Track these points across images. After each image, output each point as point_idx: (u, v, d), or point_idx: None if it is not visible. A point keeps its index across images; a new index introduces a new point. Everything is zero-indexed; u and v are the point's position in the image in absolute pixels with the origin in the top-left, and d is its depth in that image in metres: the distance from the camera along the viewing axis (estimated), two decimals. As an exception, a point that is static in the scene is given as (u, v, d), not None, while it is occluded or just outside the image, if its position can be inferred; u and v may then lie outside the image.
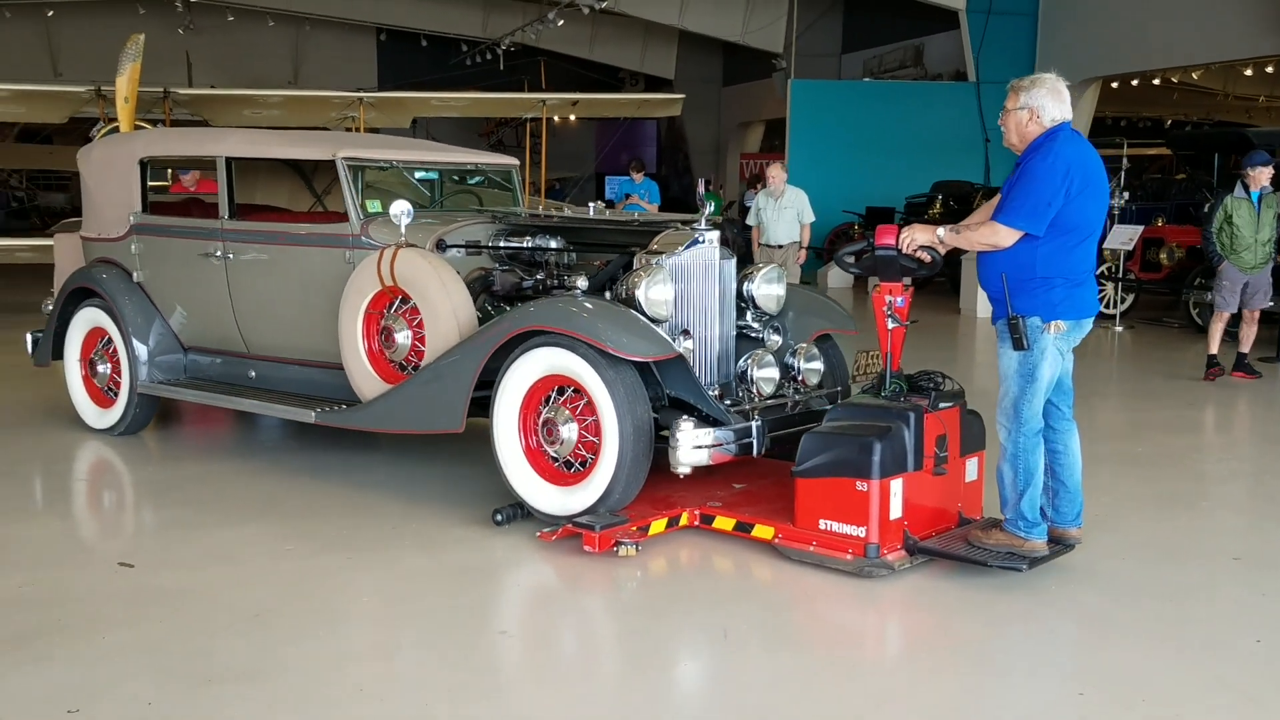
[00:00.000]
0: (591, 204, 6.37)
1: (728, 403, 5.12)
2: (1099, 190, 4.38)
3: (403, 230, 5.40)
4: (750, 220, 11.48)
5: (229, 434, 7.10)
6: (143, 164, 6.71)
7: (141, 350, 6.54)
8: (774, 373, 5.30)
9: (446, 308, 5.32)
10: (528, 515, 5.01)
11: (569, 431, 4.90)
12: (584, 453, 4.88)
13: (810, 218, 11.18)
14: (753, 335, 5.58)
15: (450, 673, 3.71)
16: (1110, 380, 10.20)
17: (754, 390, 5.25)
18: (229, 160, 6.32)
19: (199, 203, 7.30)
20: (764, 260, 10.45)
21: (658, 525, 4.84)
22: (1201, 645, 3.99)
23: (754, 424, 4.98)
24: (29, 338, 7.28)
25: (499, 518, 5.01)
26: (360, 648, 3.93)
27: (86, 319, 6.85)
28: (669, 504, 5.04)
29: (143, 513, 5.66)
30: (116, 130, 11.30)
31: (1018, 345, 4.34)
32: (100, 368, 6.79)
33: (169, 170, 8.50)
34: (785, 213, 11.02)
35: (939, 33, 21.38)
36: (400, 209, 5.37)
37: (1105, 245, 12.96)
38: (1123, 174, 13.81)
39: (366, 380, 5.58)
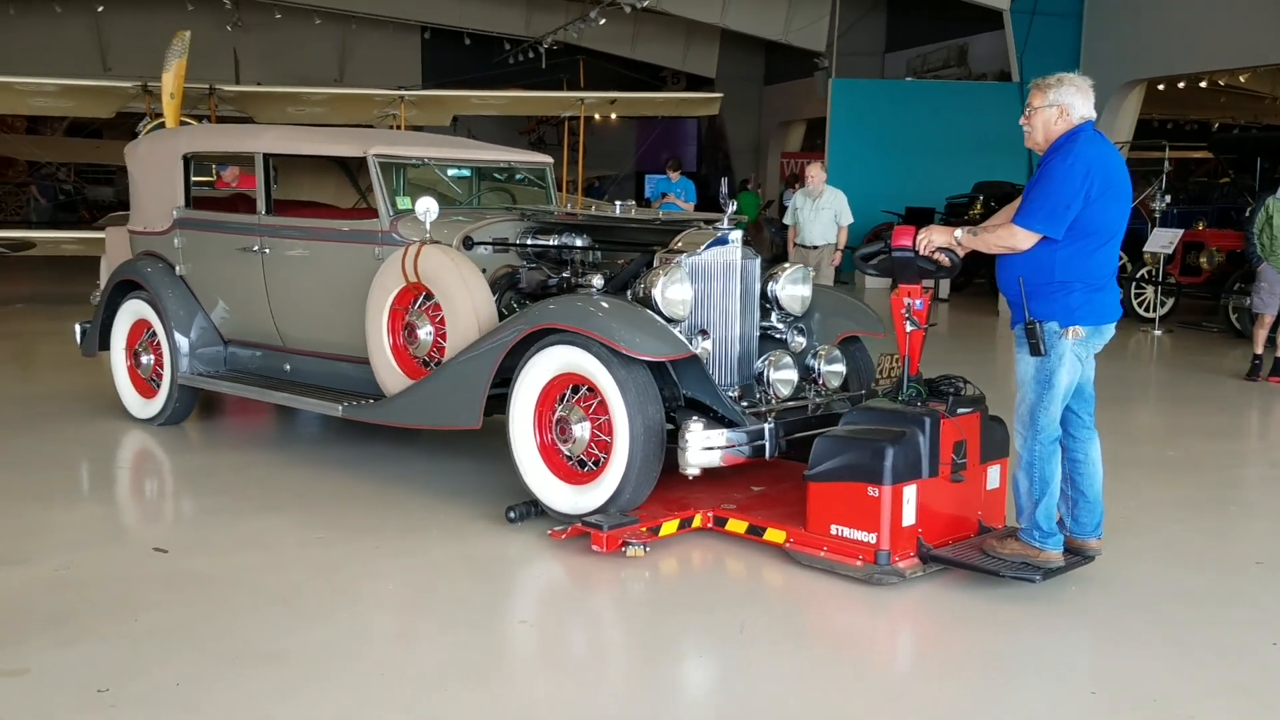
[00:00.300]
0: (618, 202, 6.27)
1: (745, 404, 5.09)
2: (1121, 193, 4.31)
3: (428, 227, 5.45)
4: (787, 220, 11.32)
5: (266, 426, 7.24)
6: (186, 159, 6.85)
7: (182, 342, 6.67)
8: (792, 375, 5.26)
9: (467, 305, 5.36)
10: (542, 513, 5.03)
11: (581, 430, 4.90)
12: (597, 452, 4.88)
13: (848, 219, 11.01)
14: (777, 336, 5.55)
15: (467, 659, 3.79)
16: (1147, 384, 10.12)
17: (770, 392, 5.21)
18: (266, 156, 6.43)
19: (245, 198, 7.40)
20: (798, 260, 10.41)
21: (669, 526, 4.83)
22: (1217, 649, 3.98)
23: (766, 426, 4.93)
24: (77, 328, 7.45)
25: (512, 515, 5.03)
26: (382, 632, 4.02)
27: (132, 311, 7.00)
28: (683, 505, 5.02)
29: (179, 500, 5.80)
30: (162, 125, 11.53)
31: (1034, 351, 4.27)
32: (144, 359, 6.94)
33: (213, 166, 8.64)
34: (823, 213, 10.87)
35: (983, 32, 21.24)
36: (425, 206, 5.40)
37: (1145, 248, 12.86)
38: (1164, 177, 13.68)
39: (390, 375, 5.65)
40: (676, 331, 4.92)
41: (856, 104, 19.75)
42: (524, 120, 29.33)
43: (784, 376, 5.24)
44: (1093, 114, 4.36)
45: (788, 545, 4.65)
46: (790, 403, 5.25)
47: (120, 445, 6.63)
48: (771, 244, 21.70)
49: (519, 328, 5.04)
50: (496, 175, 7.00)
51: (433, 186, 6.52)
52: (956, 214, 16.74)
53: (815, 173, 11.03)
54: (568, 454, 4.99)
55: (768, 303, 5.55)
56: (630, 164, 29.20)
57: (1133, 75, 17.96)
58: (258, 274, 6.43)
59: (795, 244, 10.99)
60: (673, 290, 5.00)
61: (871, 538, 4.41)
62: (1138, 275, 13.24)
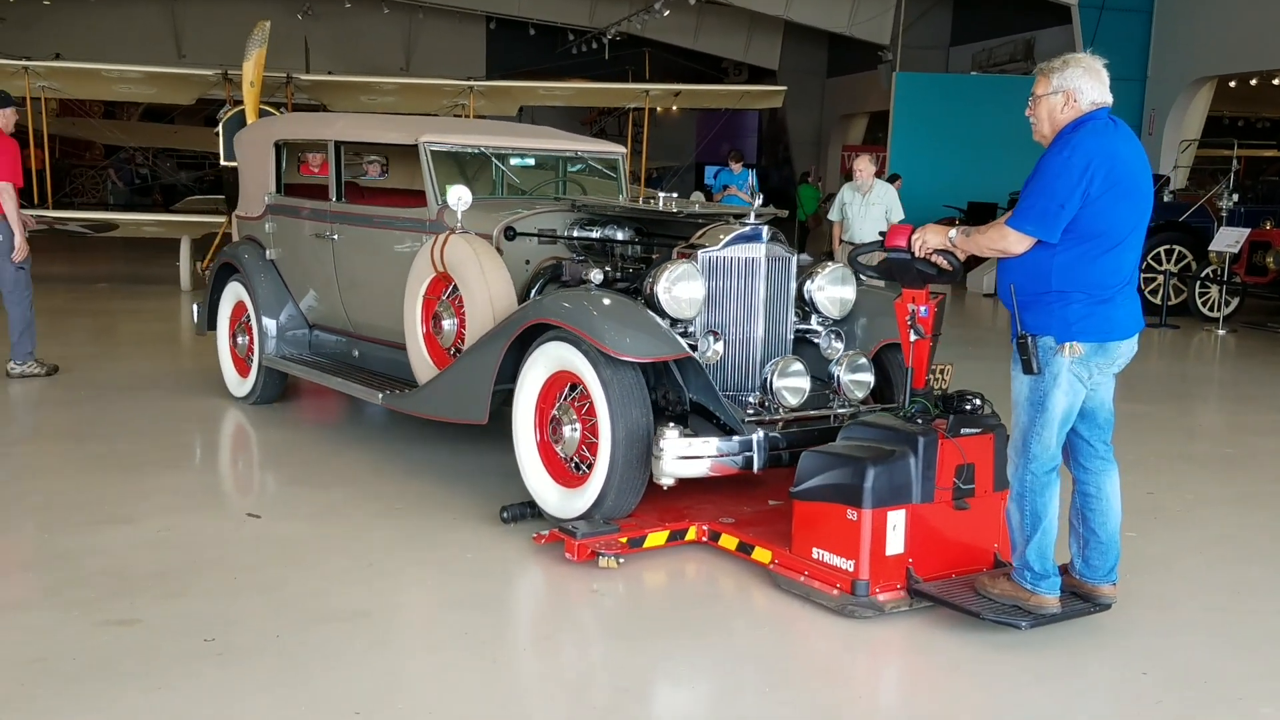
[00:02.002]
0: (660, 193, 5.65)
1: (751, 412, 4.77)
2: (1132, 190, 3.76)
3: (459, 216, 5.36)
4: (833, 215, 10.78)
5: (345, 405, 7.52)
6: (277, 146, 7.09)
7: (269, 325, 6.87)
8: (800, 382, 4.83)
9: (483, 295, 5.23)
10: (538, 515, 4.88)
11: (571, 431, 4.74)
12: (589, 455, 4.70)
13: (899, 216, 10.39)
14: (815, 341, 5.26)
15: (537, 628, 4.00)
16: (1209, 383, 10.12)
17: (775, 400, 4.80)
18: (338, 144, 6.53)
19: (354, 186, 7.49)
20: (843, 258, 10.19)
21: (656, 538, 4.56)
22: (1272, 638, 4.09)
23: (754, 437, 4.62)
24: (195, 308, 7.73)
25: (505, 515, 4.87)
26: (459, 598, 4.23)
27: (233, 293, 7.26)
28: (681, 516, 4.76)
29: (266, 471, 6.08)
30: (241, 113, 11.87)
31: (1027, 368, 3.81)
32: (240, 339, 7.20)
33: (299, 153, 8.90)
34: (873, 209, 10.29)
35: (1051, 27, 21.06)
36: (457, 194, 5.30)
37: (1211, 247, 12.78)
38: (1233, 175, 13.56)
39: (422, 365, 5.64)
40: (680, 331, 4.75)
41: (920, 98, 19.72)
42: (585, 111, 29.55)
43: (791, 384, 4.80)
44: (1106, 99, 3.84)
45: (771, 566, 4.33)
46: (812, 412, 4.87)
47: (217, 419, 6.93)
48: (829, 238, 21.71)
49: (519, 321, 4.90)
50: (564, 165, 6.86)
51: (490, 176, 6.47)
52: (1019, 209, 16.65)
53: (863, 166, 10.45)
54: (562, 455, 4.82)
55: (806, 304, 5.29)
56: (691, 156, 29.33)
57: (1203, 72, 17.77)
58: (329, 260, 6.59)
59: (842, 241, 10.54)
60: (678, 288, 4.76)
61: (850, 565, 4.04)
62: (1202, 274, 13.16)
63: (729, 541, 4.55)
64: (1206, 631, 4.13)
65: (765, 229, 5.00)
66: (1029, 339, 3.81)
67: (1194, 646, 3.99)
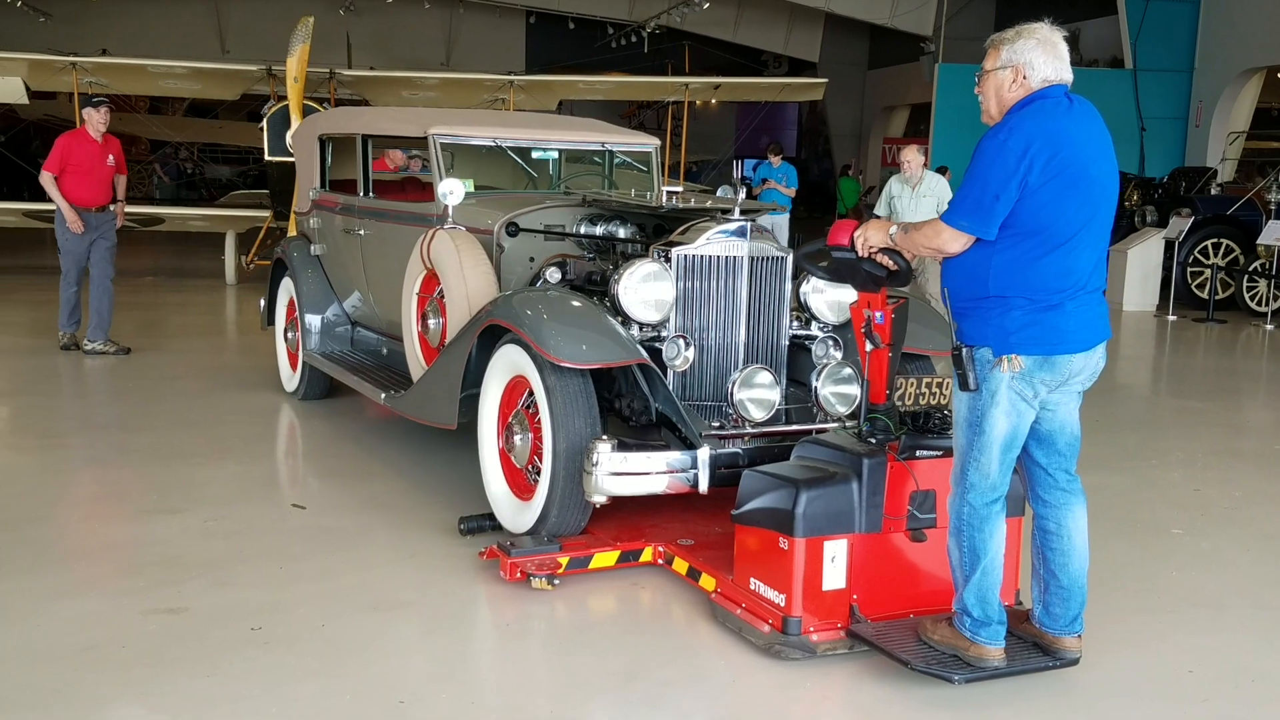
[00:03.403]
0: (668, 187, 5.21)
1: (717, 425, 4.40)
2: (1080, 180, 3.26)
3: (450, 210, 5.19)
4: (879, 210, 10.37)
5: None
6: (321, 141, 7.11)
7: (311, 321, 6.80)
8: (767, 394, 4.42)
9: (460, 293, 4.98)
10: (496, 527, 4.63)
11: (522, 440, 4.48)
12: (541, 464, 4.41)
13: None
14: (809, 348, 4.84)
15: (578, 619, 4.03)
16: (1258, 378, 9.97)
17: (735, 413, 4.40)
18: (365, 138, 6.45)
19: (415, 181, 7.44)
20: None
21: (605, 558, 4.25)
22: (1321, 634, 4.04)
23: (699, 454, 4.23)
24: (261, 302, 7.75)
25: (463, 527, 4.64)
26: (504, 590, 4.26)
27: (286, 288, 7.27)
28: (640, 534, 4.44)
29: (312, 463, 6.15)
30: (285, 109, 11.98)
31: (962, 384, 3.37)
32: (290, 334, 7.23)
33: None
34: (923, 201, 9.87)
35: (1096, 18, 20.83)
36: (448, 188, 5.16)
37: (1260, 241, 12.58)
38: (1281, 168, 13.37)
39: (415, 364, 5.52)
40: (652, 335, 4.46)
41: (964, 90, 19.44)
42: (625, 105, 29.57)
43: (755, 396, 4.40)
44: (1063, 76, 3.37)
45: (713, 596, 3.98)
46: (792, 426, 4.52)
47: (262, 413, 6.99)
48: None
49: (477, 323, 4.67)
50: (591, 159, 6.58)
51: (506, 168, 6.31)
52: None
53: (912, 157, 10.06)
54: (517, 464, 4.56)
55: (804, 308, 4.91)
56: (730, 149, 29.28)
57: (1252, 63, 17.50)
58: (359, 255, 6.50)
59: None
60: (641, 288, 4.43)
61: (782, 599, 3.64)
62: (1250, 268, 12.97)
63: (681, 565, 4.22)
64: (1256, 630, 4.07)
65: (748, 225, 4.58)
66: (962, 350, 3.35)
67: (1243, 645, 3.94)
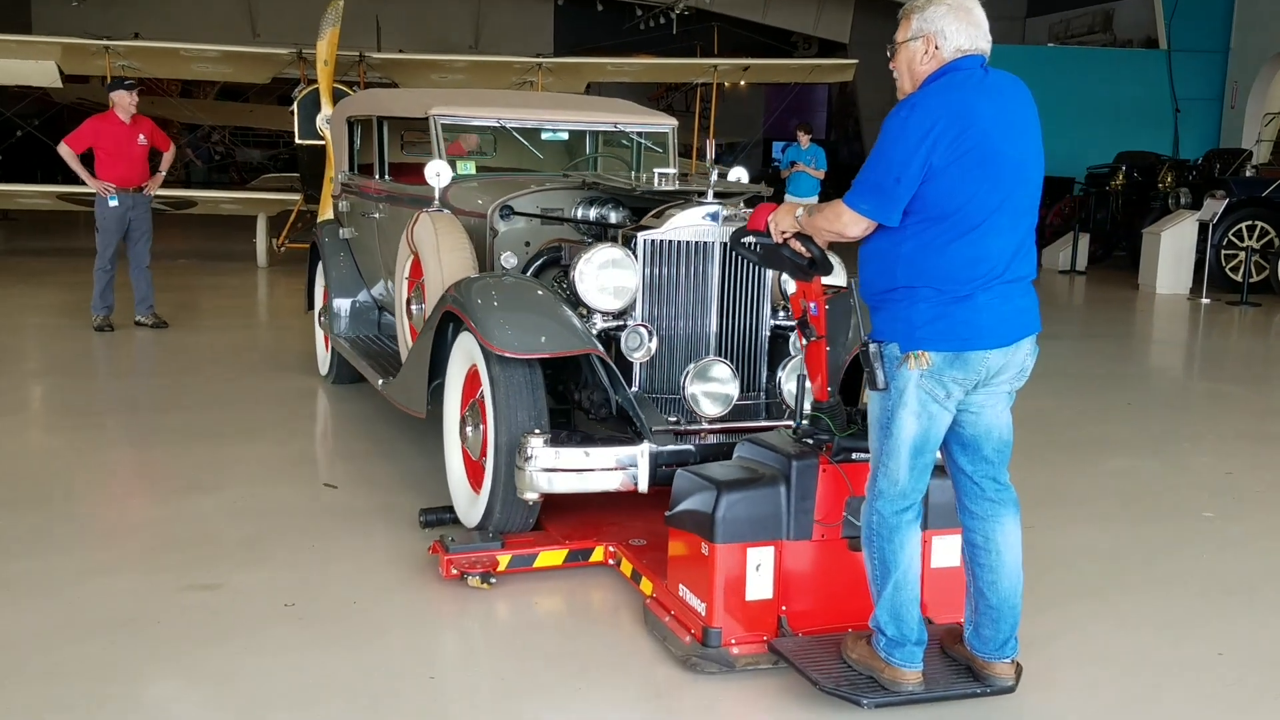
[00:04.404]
0: (659, 170, 4.85)
1: (674, 419, 4.18)
2: (993, 159, 2.98)
3: (435, 192, 5.09)
4: None
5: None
6: (350, 124, 7.14)
7: (339, 305, 6.72)
8: (723, 388, 4.16)
9: (436, 278, 4.83)
10: (455, 520, 4.48)
11: (474, 433, 4.32)
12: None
13: None
14: (785, 338, 4.58)
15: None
16: (1292, 362, 9.88)
17: (689, 407, 4.16)
18: (381, 119, 6.40)
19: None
20: None
21: (551, 557, 4.09)
22: (1353, 619, 4.01)
23: (637, 451, 3.99)
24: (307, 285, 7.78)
25: (423, 519, 4.51)
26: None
27: (320, 272, 7.26)
28: (593, 533, 4.25)
29: (344, 443, 6.20)
30: (316, 92, 12.03)
31: (871, 382, 3.12)
32: (323, 318, 7.22)
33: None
34: None
35: (1130, -3, 20.59)
36: (435, 169, 5.06)
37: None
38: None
39: (404, 350, 5.39)
40: (616, 325, 4.28)
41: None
42: (653, 87, 29.48)
43: (710, 390, 4.16)
44: (978, 45, 3.08)
45: (648, 601, 3.77)
46: (758, 423, 4.25)
47: (294, 394, 7.06)
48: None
49: (438, 310, 4.50)
50: (620, 141, 6.36)
51: (514, 150, 6.16)
52: (1098, 184, 16.38)
53: None
54: (473, 456, 4.38)
55: (785, 297, 4.60)
56: (759, 131, 29.13)
57: (1290, 43, 17.24)
58: (376, 239, 6.43)
59: None
60: (597, 274, 4.23)
61: (704, 608, 3.43)
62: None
63: (626, 567, 4.04)
64: (1287, 613, 4.06)
65: (720, 209, 4.32)
66: (870, 347, 3.10)
67: (1275, 629, 3.93)
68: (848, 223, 3.10)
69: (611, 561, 4.15)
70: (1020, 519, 3.26)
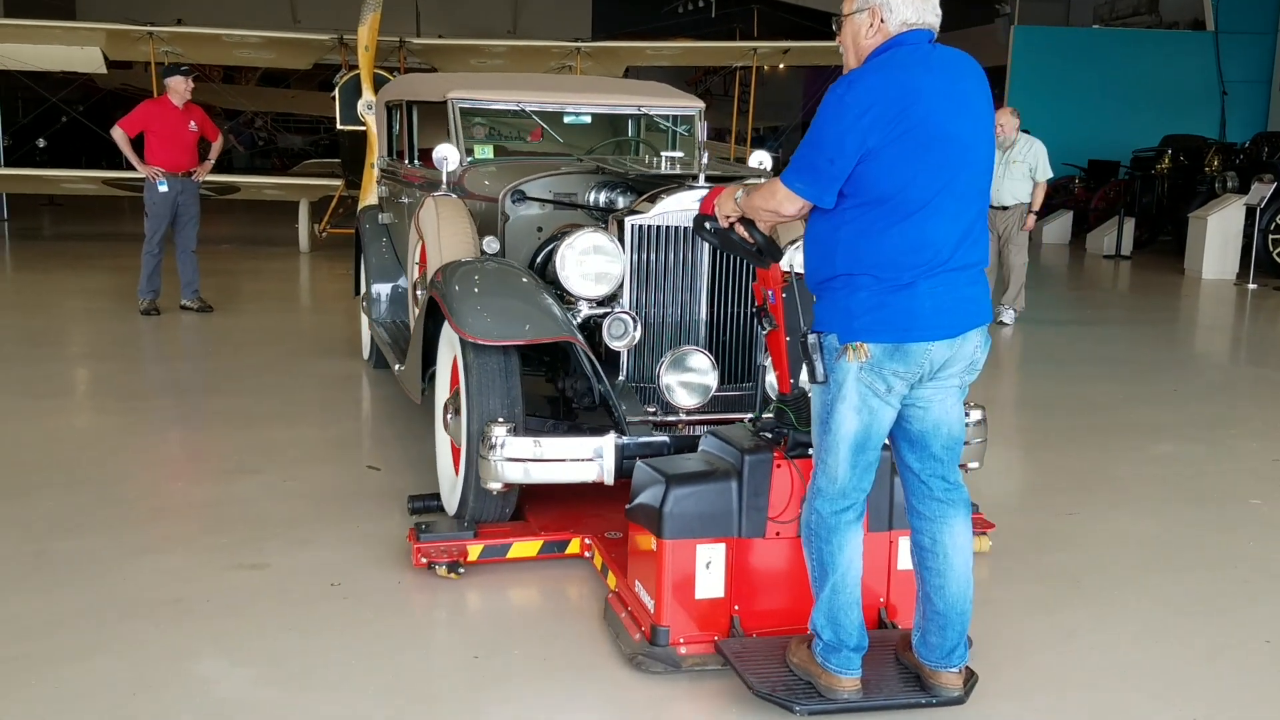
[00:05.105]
0: (665, 153, 4.82)
1: (652, 409, 4.10)
2: (937, 140, 2.81)
3: (444, 176, 5.06)
4: None
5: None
6: (388, 108, 7.18)
7: (377, 290, 6.70)
8: (700, 378, 4.05)
9: (436, 263, 4.72)
10: (441, 508, 4.47)
11: (454, 421, 4.25)
12: None
13: (1046, 174, 9.39)
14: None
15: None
16: (1342, 348, 9.71)
17: (664, 398, 4.06)
18: (410, 104, 6.36)
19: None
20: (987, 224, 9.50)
21: (525, 548, 4.03)
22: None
23: (602, 441, 3.85)
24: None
25: (410, 506, 4.52)
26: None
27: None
28: (570, 524, 4.19)
29: (386, 426, 6.24)
30: (357, 77, 12.09)
31: (810, 375, 2.98)
32: (365, 303, 7.30)
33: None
34: (1014, 168, 9.30)
35: (1177, -22, 20.26)
36: (442, 153, 5.00)
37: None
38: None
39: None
40: (603, 312, 4.16)
41: (1039, 52, 19.14)
42: (692, 71, 29.36)
43: (687, 380, 4.05)
44: (926, 19, 2.93)
45: (610, 596, 3.71)
46: (744, 415, 3.94)
47: (335, 378, 7.13)
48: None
49: (426, 296, 4.45)
50: (656, 124, 6.26)
51: (507, 133, 6.12)
52: (1143, 168, 16.15)
53: (1005, 119, 9.41)
54: (456, 443, 4.29)
55: None
56: (799, 115, 28.96)
57: (1343, 23, 16.89)
58: (405, 223, 6.35)
59: None
60: (579, 260, 4.13)
61: (654, 605, 3.35)
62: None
63: (599, 560, 3.96)
64: (1337, 602, 4.00)
65: (700, 192, 4.13)
66: (809, 338, 2.96)
67: (1324, 616, 3.88)
68: (782, 200, 2.96)
69: (587, 554, 4.08)
70: (971, 521, 3.10)
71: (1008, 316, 9.63)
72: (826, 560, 3.01)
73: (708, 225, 3.33)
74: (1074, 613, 3.87)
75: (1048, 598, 3.99)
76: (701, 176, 4.20)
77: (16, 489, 4.85)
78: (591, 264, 4.13)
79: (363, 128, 11.84)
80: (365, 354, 7.39)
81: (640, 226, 4.20)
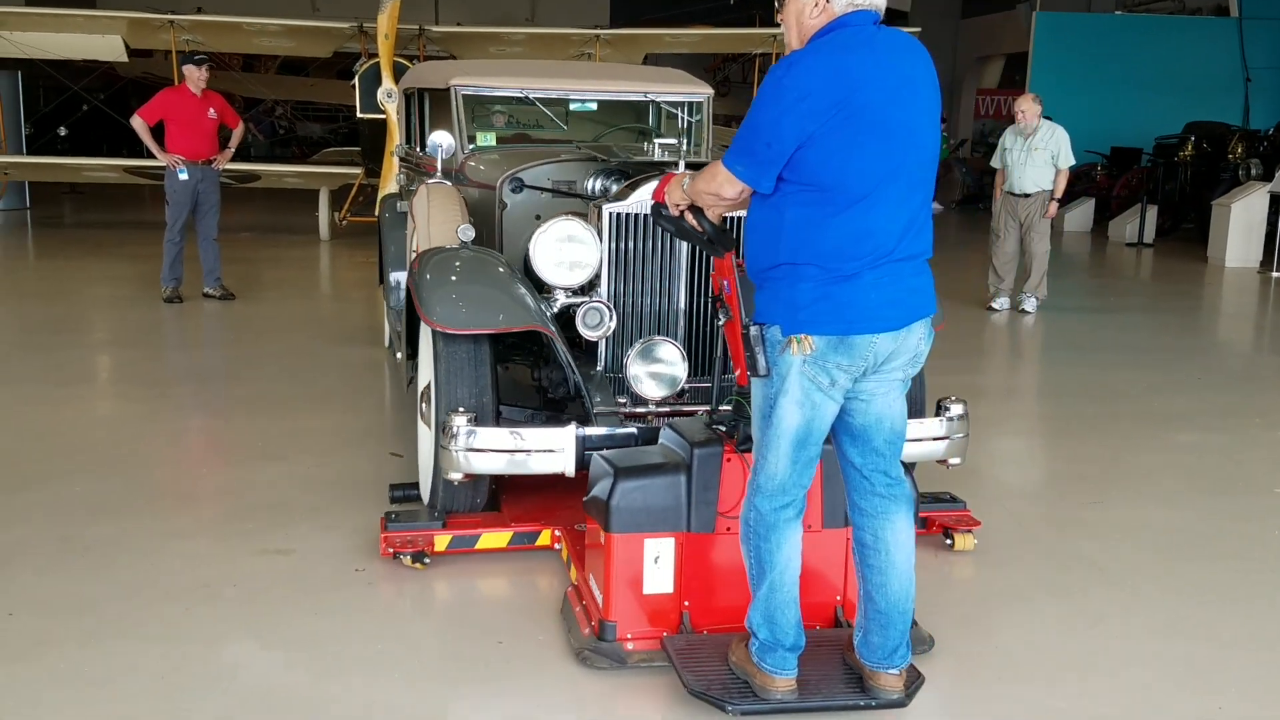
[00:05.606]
0: (659, 140, 4.82)
1: (623, 400, 4.03)
2: (882, 126, 2.72)
3: (438, 164, 5.02)
4: (994, 162, 9.74)
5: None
6: (406, 95, 7.17)
7: (395, 277, 6.66)
8: (669, 369, 3.97)
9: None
10: (419, 498, 4.43)
11: (428, 409, 4.21)
12: None
13: (1069, 161, 9.31)
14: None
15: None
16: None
17: (632, 389, 3.98)
18: (421, 91, 6.38)
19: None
20: (1007, 212, 9.42)
21: (495, 539, 4.00)
22: None
23: (565, 432, 3.79)
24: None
25: (392, 495, 4.50)
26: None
27: None
28: (544, 515, 4.15)
29: (407, 413, 6.26)
30: (376, 66, 12.11)
31: (752, 368, 2.89)
32: (385, 290, 7.34)
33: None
34: (1036, 154, 9.24)
35: (1200, -37, 20.09)
36: (437, 140, 4.99)
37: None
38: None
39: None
40: (582, 301, 4.10)
41: (1062, 39, 19.02)
42: (710, 59, 29.25)
43: (655, 371, 3.97)
44: (871, 1, 2.82)
45: (569, 590, 3.67)
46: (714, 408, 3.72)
47: (357, 365, 7.15)
48: (962, 185, 21.22)
49: (409, 283, 4.38)
50: (634, 109, 6.16)
51: (526, 120, 6.09)
52: (1166, 155, 16.04)
53: (1027, 106, 9.36)
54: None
55: None
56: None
57: (1370, 7, 16.71)
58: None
59: (1003, 191, 9.52)
60: (551, 249, 4.07)
61: (602, 600, 3.32)
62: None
63: (565, 553, 3.91)
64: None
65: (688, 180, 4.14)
66: (751, 329, 2.88)
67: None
68: (723, 183, 2.89)
69: (557, 546, 4.04)
70: (914, 517, 3.02)
71: (1029, 304, 9.59)
72: (764, 558, 2.94)
73: (663, 213, 3.26)
74: (1097, 600, 3.86)
75: (1070, 585, 3.99)
76: (682, 164, 3.98)
77: (43, 475, 4.90)
78: (565, 252, 4.07)
79: (382, 116, 11.89)
80: (387, 342, 7.42)
81: (618, 215, 4.13)
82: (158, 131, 8.89)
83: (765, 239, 2.84)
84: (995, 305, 9.64)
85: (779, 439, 2.87)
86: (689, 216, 3.15)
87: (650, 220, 4.08)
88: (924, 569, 4.07)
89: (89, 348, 7.80)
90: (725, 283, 3.20)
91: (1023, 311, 9.55)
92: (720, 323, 3.27)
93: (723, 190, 2.91)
